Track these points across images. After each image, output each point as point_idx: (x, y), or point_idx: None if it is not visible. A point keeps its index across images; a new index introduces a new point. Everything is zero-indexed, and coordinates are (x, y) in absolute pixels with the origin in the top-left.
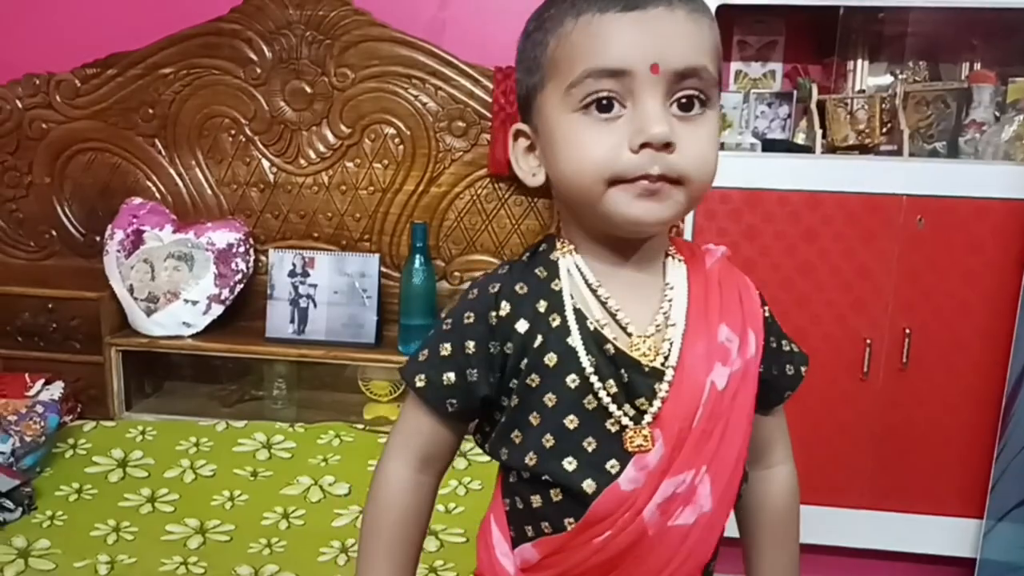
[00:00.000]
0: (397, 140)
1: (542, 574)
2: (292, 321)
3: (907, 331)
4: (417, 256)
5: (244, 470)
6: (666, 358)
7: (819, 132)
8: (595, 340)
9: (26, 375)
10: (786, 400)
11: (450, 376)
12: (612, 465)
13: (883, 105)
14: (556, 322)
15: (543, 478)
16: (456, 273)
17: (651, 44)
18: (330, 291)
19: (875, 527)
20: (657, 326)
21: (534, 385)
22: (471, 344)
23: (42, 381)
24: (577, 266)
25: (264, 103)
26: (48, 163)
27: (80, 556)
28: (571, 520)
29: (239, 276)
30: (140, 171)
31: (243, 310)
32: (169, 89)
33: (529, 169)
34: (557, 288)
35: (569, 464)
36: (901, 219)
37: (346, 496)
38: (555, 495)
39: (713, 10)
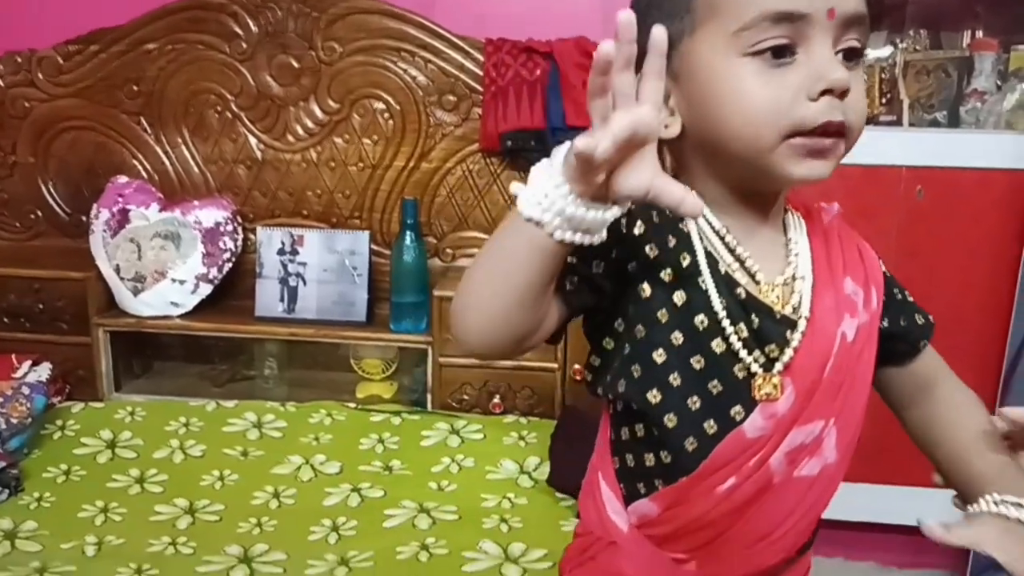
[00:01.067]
0: (387, 115)
1: (662, 528)
2: (282, 300)
3: None
4: (408, 233)
5: (234, 450)
6: (796, 308)
7: None
8: (726, 283)
9: (13, 357)
10: (923, 350)
11: (572, 258)
12: (737, 411)
13: (883, 75)
14: (686, 261)
15: (665, 417)
16: (448, 250)
17: None
18: (320, 269)
19: (872, 499)
20: (785, 277)
21: (663, 320)
22: (597, 255)
23: (29, 363)
24: (704, 214)
25: (250, 78)
26: (32, 142)
27: (67, 538)
28: (685, 480)
29: (227, 255)
30: (125, 149)
31: (232, 289)
32: (154, 65)
33: (659, 122)
34: (685, 230)
35: (693, 404)
36: (901, 190)
37: (337, 475)
38: (664, 457)
39: None
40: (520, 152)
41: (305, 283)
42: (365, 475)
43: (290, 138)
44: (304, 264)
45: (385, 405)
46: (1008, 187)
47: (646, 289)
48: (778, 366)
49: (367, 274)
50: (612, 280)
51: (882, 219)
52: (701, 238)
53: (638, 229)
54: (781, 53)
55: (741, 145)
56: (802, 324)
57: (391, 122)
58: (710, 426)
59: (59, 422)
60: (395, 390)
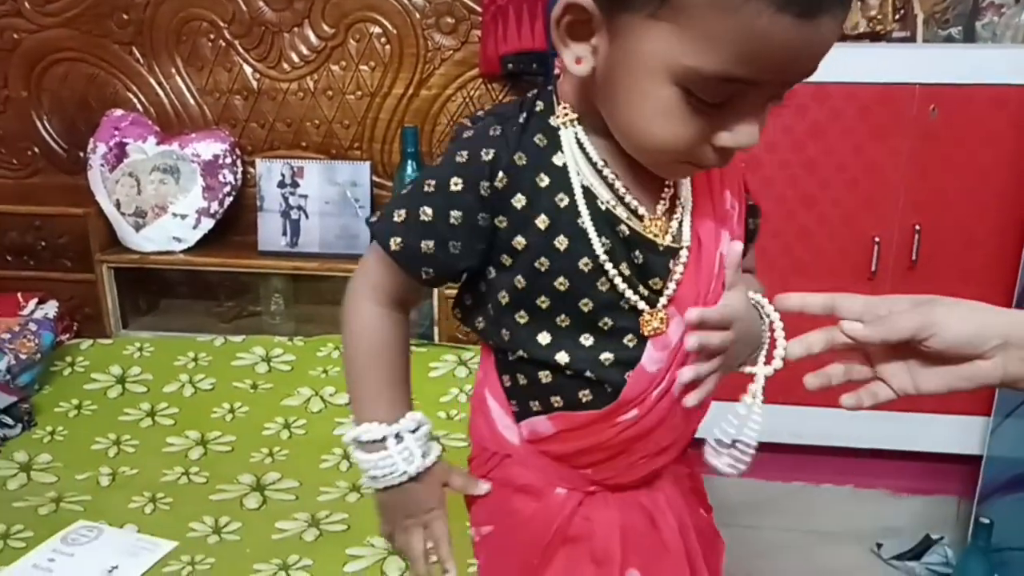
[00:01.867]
0: (383, 40)
1: (557, 446)
2: (284, 233)
3: (917, 228)
4: (409, 162)
5: (244, 383)
6: (675, 237)
7: None
8: (607, 221)
9: (18, 295)
10: (750, 249)
11: (429, 244)
12: (629, 339)
13: None
14: (564, 202)
15: (556, 356)
16: None
17: (801, 62)
18: (321, 201)
19: (881, 426)
20: (664, 205)
21: (543, 269)
22: (456, 214)
23: (35, 300)
24: (579, 141)
25: (242, 4)
26: (23, 75)
27: (81, 469)
28: (586, 392)
29: (227, 188)
30: (119, 81)
31: (234, 224)
32: None
33: (574, 54)
34: (560, 163)
35: (586, 340)
36: (914, 110)
37: (347, 406)
38: (567, 369)
39: None
40: (522, 75)
41: (307, 216)
42: None
43: (285, 66)
44: (305, 196)
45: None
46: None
47: (521, 241)
48: (662, 300)
49: (369, 206)
50: (477, 247)
51: (894, 139)
52: (578, 172)
53: (500, 182)
54: (713, 102)
55: (631, 146)
56: (683, 254)
57: (388, 47)
58: (606, 358)
59: (68, 359)
60: None
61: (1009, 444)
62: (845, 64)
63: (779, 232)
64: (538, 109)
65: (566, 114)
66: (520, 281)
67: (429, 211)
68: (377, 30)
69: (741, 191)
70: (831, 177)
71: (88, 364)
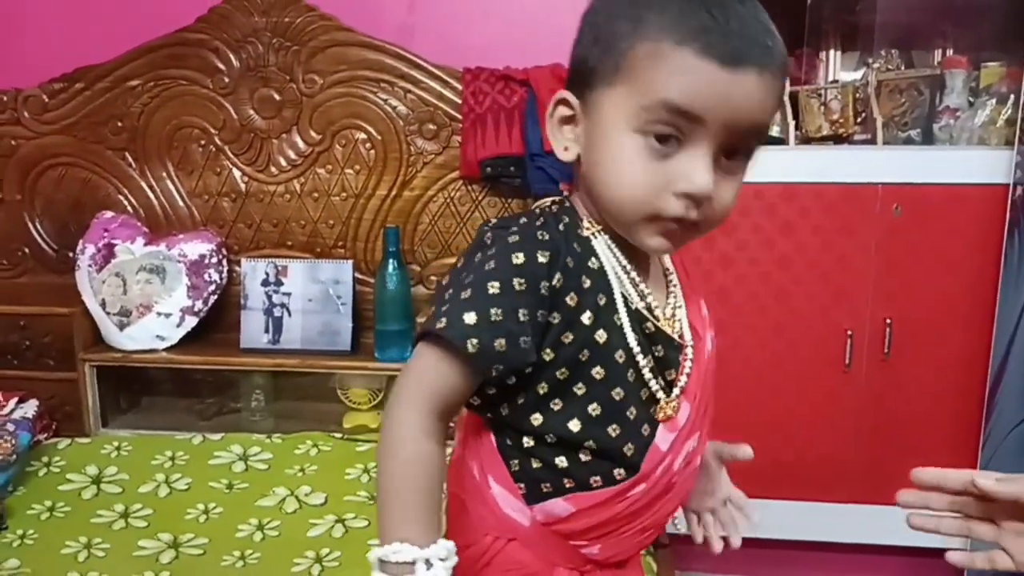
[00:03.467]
0: (368, 145)
1: (572, 525)
2: (267, 331)
3: (888, 321)
4: (391, 261)
5: (220, 483)
6: (681, 335)
7: (792, 124)
8: (638, 319)
9: None
10: None
11: (502, 343)
12: (644, 429)
13: (856, 95)
14: (603, 301)
15: (585, 443)
16: (432, 277)
17: (733, 103)
18: (304, 299)
19: (863, 521)
20: (671, 306)
21: (584, 359)
22: (524, 312)
23: (16, 399)
24: (611, 249)
25: (233, 112)
26: (18, 180)
27: (50, 575)
28: (596, 478)
29: (212, 287)
30: (111, 184)
31: (217, 321)
32: (137, 101)
33: (563, 141)
34: (595, 267)
35: (613, 431)
36: (878, 208)
37: (322, 505)
38: (584, 456)
39: None
40: (499, 178)
41: (290, 313)
42: (350, 505)
43: (273, 170)
44: (288, 294)
45: (372, 435)
46: (983, 201)
47: (569, 336)
48: (676, 390)
49: (351, 303)
50: (536, 341)
51: (861, 236)
52: (616, 275)
53: (557, 282)
54: (665, 140)
55: (610, 208)
56: (689, 350)
57: (373, 152)
58: (628, 448)
59: (44, 459)
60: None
61: None
62: (811, 165)
63: (754, 327)
64: (566, 222)
65: (592, 224)
66: (563, 372)
67: (498, 312)
68: (362, 136)
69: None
70: (803, 273)
71: (64, 464)
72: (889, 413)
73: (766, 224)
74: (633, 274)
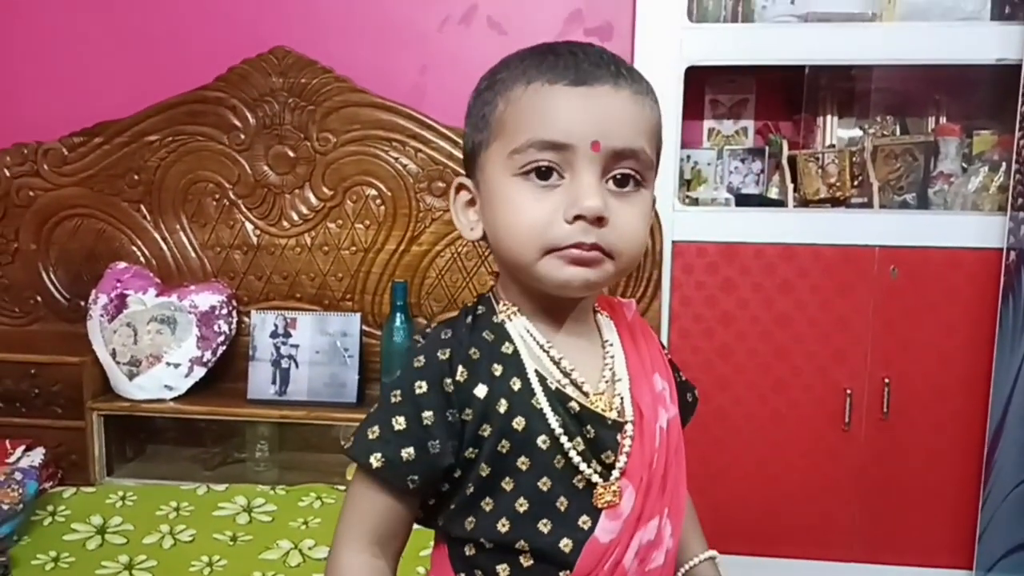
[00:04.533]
0: (378, 201)
1: None
2: (274, 382)
3: (887, 381)
4: (398, 314)
5: (224, 535)
6: (620, 411)
7: (791, 186)
8: (559, 399)
9: (7, 442)
10: (687, 425)
11: (409, 451)
12: (584, 521)
13: (853, 159)
14: (517, 385)
15: (516, 544)
16: None
17: (594, 122)
18: (312, 351)
19: None
20: (606, 381)
21: (505, 451)
22: (428, 414)
23: (23, 447)
24: (527, 329)
25: (248, 167)
26: (35, 230)
27: None
28: None
29: (221, 338)
30: (125, 236)
31: (225, 372)
32: (154, 156)
33: (468, 223)
34: (509, 351)
35: (544, 526)
36: (875, 270)
37: (326, 559)
38: (525, 560)
39: (682, 71)
40: None
41: (297, 365)
42: None
43: (285, 224)
44: (296, 346)
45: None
46: (978, 265)
47: (487, 428)
48: (615, 473)
49: (358, 355)
50: (451, 443)
51: (858, 297)
52: (529, 356)
53: (460, 376)
54: (546, 175)
55: (511, 255)
56: (629, 427)
57: (383, 208)
58: (565, 544)
59: (50, 507)
60: None
61: None
62: (809, 227)
63: (754, 384)
64: (480, 312)
65: (506, 307)
66: (484, 469)
67: (402, 419)
68: (373, 192)
69: (668, 372)
70: (802, 332)
71: (69, 513)
72: (888, 472)
73: (765, 283)
74: (553, 351)
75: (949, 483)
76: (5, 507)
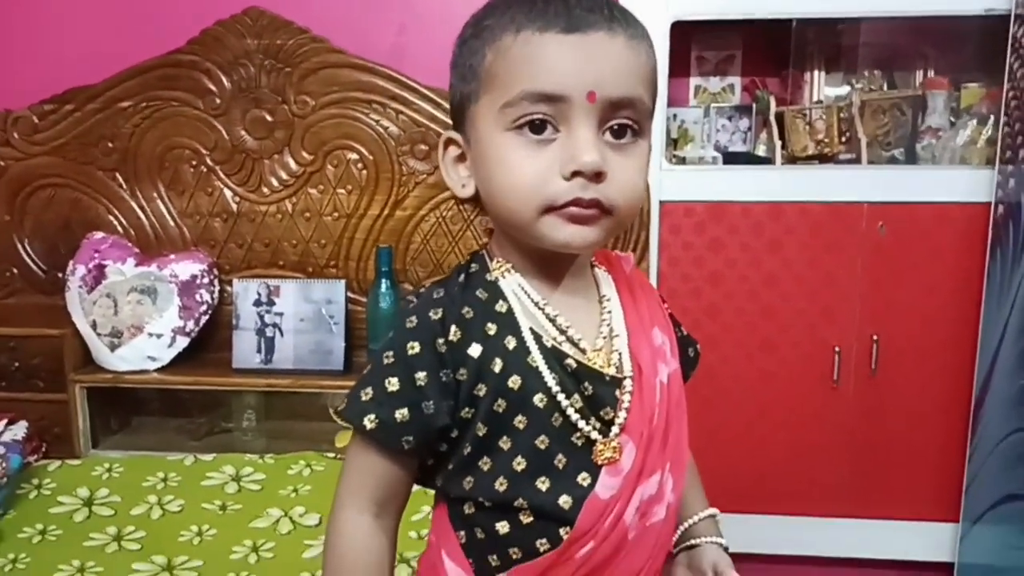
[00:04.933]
0: (360, 165)
1: None
2: (259, 351)
3: (875, 338)
4: (383, 280)
5: (213, 504)
6: (618, 367)
7: (779, 143)
8: (555, 356)
9: None
10: (688, 380)
11: (403, 412)
12: (583, 478)
13: (840, 115)
14: (512, 344)
15: (515, 503)
16: None
17: (589, 71)
18: (296, 319)
19: (851, 535)
20: (604, 337)
21: (501, 410)
22: (421, 375)
23: (4, 422)
24: (521, 286)
25: (225, 133)
26: (7, 200)
27: None
28: (543, 541)
29: (204, 308)
30: (101, 205)
31: (209, 342)
32: (128, 122)
33: (459, 180)
34: (503, 309)
35: (542, 484)
36: (863, 226)
37: (316, 527)
38: (525, 518)
39: (667, 27)
40: None
41: (282, 333)
42: None
43: (265, 190)
44: (281, 314)
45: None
46: (966, 219)
47: (482, 388)
48: (615, 429)
49: (344, 323)
50: (447, 403)
51: (846, 254)
52: (524, 314)
53: (454, 335)
54: (540, 129)
55: (507, 215)
56: (628, 383)
57: (364, 172)
58: (564, 501)
59: (35, 481)
60: None
61: (979, 550)
62: (796, 184)
63: (742, 343)
64: (473, 270)
65: (499, 264)
66: (481, 428)
67: (395, 380)
68: (354, 156)
69: (668, 326)
70: (790, 290)
71: (55, 486)
72: (877, 428)
73: (753, 242)
74: (549, 308)
75: (936, 438)
76: None
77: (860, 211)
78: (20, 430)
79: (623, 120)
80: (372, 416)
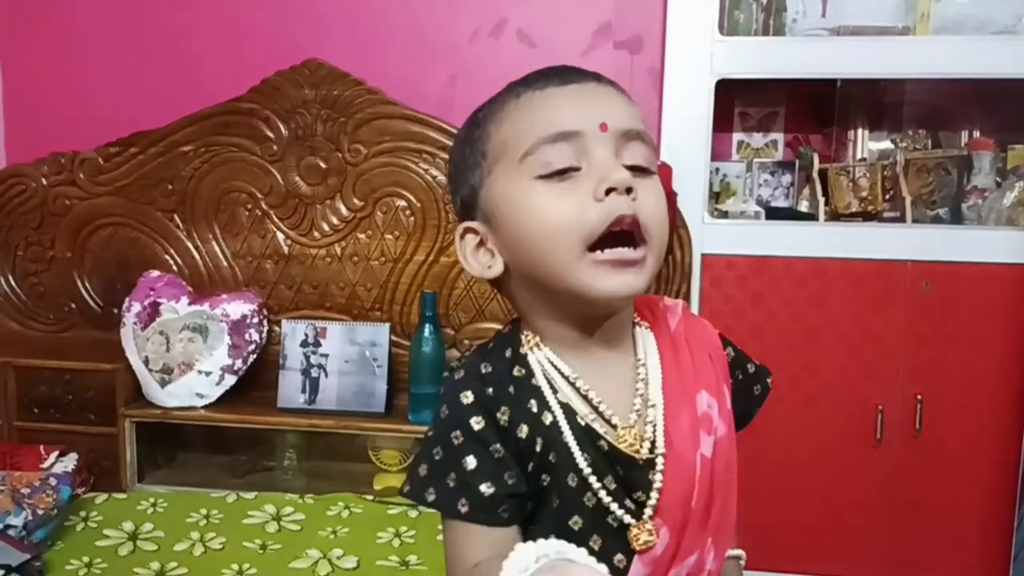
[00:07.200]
0: (408, 212)
1: None
2: (304, 391)
3: (919, 397)
4: (427, 325)
5: (253, 543)
6: (652, 444)
7: (822, 200)
8: (588, 436)
9: (41, 447)
10: (754, 417)
11: (490, 489)
12: (619, 560)
13: (884, 172)
14: (548, 420)
15: None
16: (465, 341)
17: (594, 108)
18: (341, 360)
19: None
20: (637, 410)
21: (545, 484)
22: (496, 447)
23: (56, 453)
24: (550, 360)
25: (280, 178)
26: (70, 238)
27: None
28: None
29: (252, 347)
30: (158, 244)
31: (256, 380)
32: (188, 166)
33: (483, 264)
34: (537, 385)
35: None
36: (907, 284)
37: (354, 569)
38: None
39: (712, 83)
40: None
41: (327, 374)
42: (382, 570)
43: (316, 234)
44: (326, 356)
45: (402, 497)
46: (1012, 280)
47: (530, 465)
48: (647, 511)
49: (387, 365)
50: (521, 472)
51: (890, 312)
52: (554, 390)
53: (505, 414)
54: (564, 173)
55: (548, 265)
56: (660, 462)
57: (412, 219)
58: None
59: (82, 513)
60: None
61: None
62: (840, 240)
63: (783, 398)
64: (509, 346)
65: (528, 339)
66: (528, 506)
67: (471, 459)
68: (403, 203)
69: (719, 386)
70: (833, 346)
71: (101, 519)
72: (920, 490)
73: (796, 297)
74: (580, 382)
75: (982, 502)
76: (40, 512)
77: (904, 269)
78: (71, 462)
79: (637, 159)
80: (463, 500)
